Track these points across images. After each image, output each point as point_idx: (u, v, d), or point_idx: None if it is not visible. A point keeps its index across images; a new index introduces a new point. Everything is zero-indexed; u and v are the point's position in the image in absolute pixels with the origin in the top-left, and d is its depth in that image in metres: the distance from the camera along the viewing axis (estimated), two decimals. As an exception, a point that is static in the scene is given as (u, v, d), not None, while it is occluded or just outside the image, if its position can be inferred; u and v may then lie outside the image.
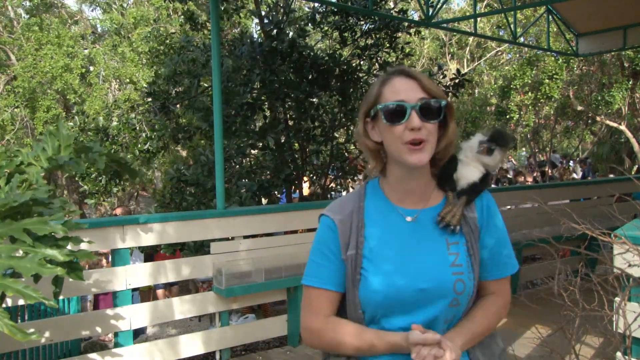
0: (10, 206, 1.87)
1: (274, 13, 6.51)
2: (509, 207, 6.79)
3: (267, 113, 6.74)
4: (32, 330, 1.70)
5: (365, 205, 1.36)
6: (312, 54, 6.31)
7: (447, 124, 1.33)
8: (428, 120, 1.26)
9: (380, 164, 1.38)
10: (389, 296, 1.27)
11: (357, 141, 1.40)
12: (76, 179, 9.47)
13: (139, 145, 7.31)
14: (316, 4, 6.69)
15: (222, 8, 6.63)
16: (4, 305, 2.13)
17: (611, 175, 12.27)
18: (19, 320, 3.87)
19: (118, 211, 7.04)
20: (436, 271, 1.29)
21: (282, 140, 6.40)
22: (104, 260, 6.11)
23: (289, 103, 6.47)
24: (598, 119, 13.43)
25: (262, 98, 6.34)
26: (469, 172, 1.36)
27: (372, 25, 6.80)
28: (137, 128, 7.53)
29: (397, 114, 1.26)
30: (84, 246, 2.53)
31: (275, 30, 6.30)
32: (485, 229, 1.37)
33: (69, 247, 2.13)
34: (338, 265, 1.33)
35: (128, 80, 13.28)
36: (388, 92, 1.29)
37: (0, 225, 1.87)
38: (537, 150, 15.22)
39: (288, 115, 6.66)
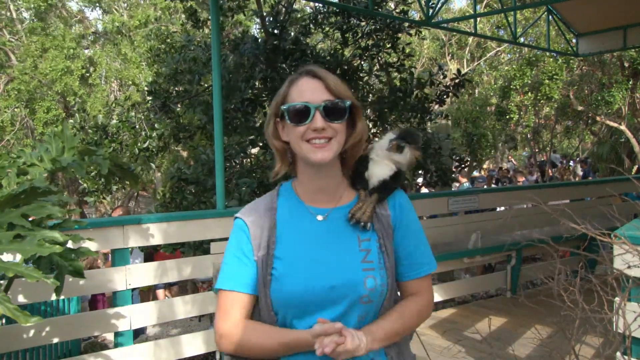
0: (9, 195, 1.87)
1: (275, 13, 6.52)
2: (503, 208, 6.81)
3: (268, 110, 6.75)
4: (35, 318, 1.69)
5: (277, 206, 1.37)
6: (314, 52, 6.33)
7: (355, 124, 1.34)
8: (332, 121, 1.28)
9: (287, 165, 1.38)
10: (300, 295, 1.27)
11: (266, 140, 1.41)
12: (76, 176, 9.46)
13: (139, 144, 7.31)
14: (318, 5, 6.70)
15: (227, 6, 6.65)
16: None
17: (598, 177, 12.28)
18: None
19: (117, 212, 7.03)
20: (346, 268, 1.29)
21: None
22: (99, 261, 6.11)
23: None
24: (598, 119, 13.43)
25: (263, 95, 6.35)
26: (380, 169, 1.38)
27: (374, 26, 6.81)
28: (137, 127, 7.53)
29: (301, 114, 1.27)
30: (84, 245, 2.53)
31: (277, 29, 6.32)
32: (398, 227, 1.38)
33: (70, 244, 2.14)
34: (250, 267, 1.33)
35: (130, 82, 13.28)
36: (294, 93, 1.31)
37: (0, 215, 1.87)
38: (537, 150, 15.23)
39: None
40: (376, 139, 1.49)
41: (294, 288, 1.28)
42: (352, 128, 1.34)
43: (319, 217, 1.35)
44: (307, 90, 1.29)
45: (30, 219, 1.95)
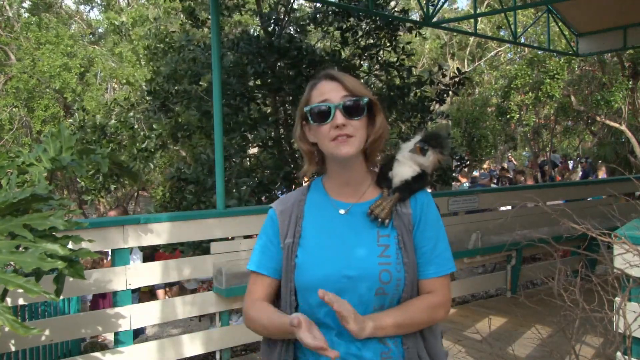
0: (10, 202, 1.86)
1: (274, 12, 6.52)
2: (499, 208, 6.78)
3: (264, 108, 6.76)
4: (34, 330, 1.69)
5: (307, 199, 1.48)
6: (309, 50, 6.33)
7: (375, 119, 1.41)
8: (352, 118, 1.35)
9: (314, 166, 1.47)
10: (318, 282, 1.34)
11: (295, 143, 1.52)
12: (74, 176, 9.44)
13: (137, 144, 7.30)
14: (317, 4, 6.70)
15: (225, 5, 6.65)
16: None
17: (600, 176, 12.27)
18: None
19: (112, 213, 6.98)
20: (362, 260, 1.35)
21: (282, 137, 6.41)
22: (104, 260, 6.09)
23: (285, 98, 6.49)
24: (598, 119, 13.42)
25: (255, 91, 6.38)
26: (402, 170, 1.44)
27: (373, 25, 6.81)
28: (136, 127, 7.52)
29: (323, 114, 1.36)
30: (84, 245, 2.53)
31: (273, 27, 6.34)
32: (417, 226, 1.42)
33: (70, 245, 2.13)
34: (275, 252, 1.44)
35: (125, 81, 13.22)
36: (315, 95, 1.39)
37: (0, 221, 1.86)
38: (537, 150, 15.22)
39: (287, 112, 6.67)
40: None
41: (313, 275, 1.36)
42: (372, 124, 1.41)
43: (341, 211, 1.43)
44: (327, 91, 1.37)
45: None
